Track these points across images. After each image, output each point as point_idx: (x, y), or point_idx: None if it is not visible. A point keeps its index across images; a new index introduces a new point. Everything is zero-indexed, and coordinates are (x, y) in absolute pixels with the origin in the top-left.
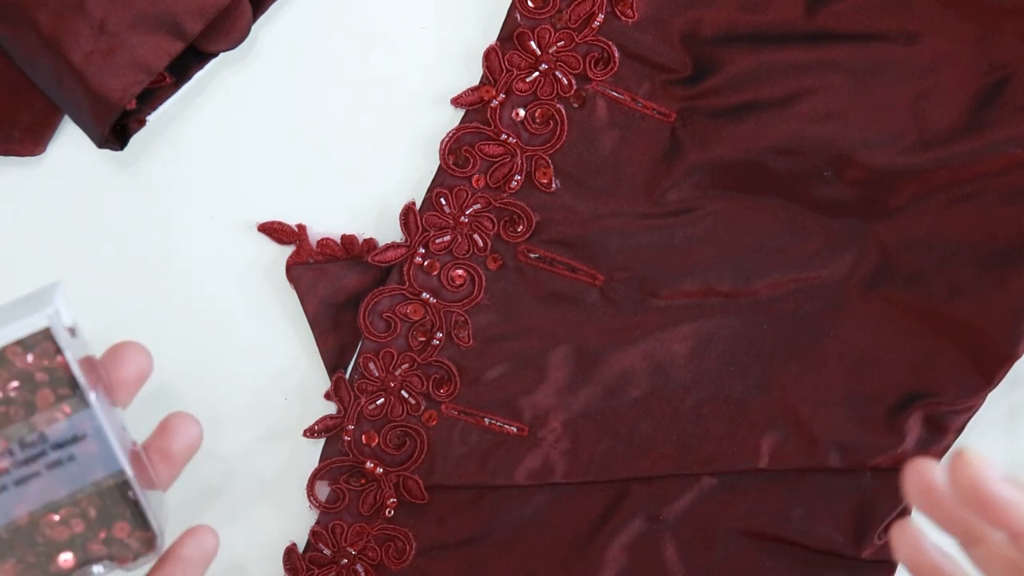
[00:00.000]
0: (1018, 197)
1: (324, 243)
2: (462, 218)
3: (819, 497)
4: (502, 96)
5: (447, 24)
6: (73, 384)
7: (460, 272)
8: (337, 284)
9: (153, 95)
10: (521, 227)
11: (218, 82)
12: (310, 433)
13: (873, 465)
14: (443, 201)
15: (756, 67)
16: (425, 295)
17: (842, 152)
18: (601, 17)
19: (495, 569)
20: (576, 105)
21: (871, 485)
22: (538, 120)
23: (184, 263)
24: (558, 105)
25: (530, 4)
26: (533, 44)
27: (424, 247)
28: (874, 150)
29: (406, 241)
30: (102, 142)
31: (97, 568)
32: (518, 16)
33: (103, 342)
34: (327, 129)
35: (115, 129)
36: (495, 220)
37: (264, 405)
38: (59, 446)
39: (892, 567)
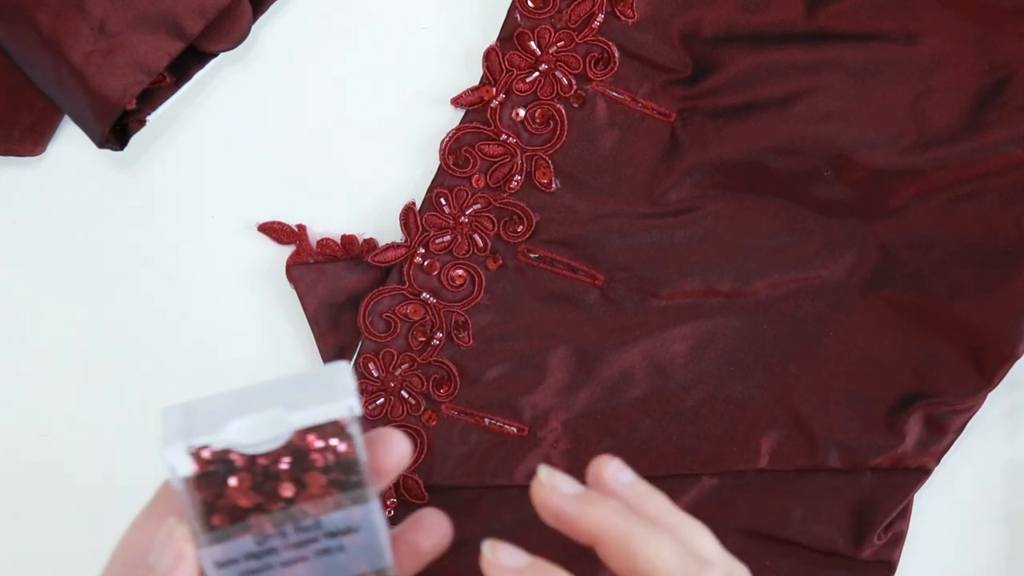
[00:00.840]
0: (1018, 197)
1: (324, 243)
2: (462, 218)
3: (819, 497)
4: (502, 96)
5: (447, 24)
6: (351, 472)
7: (460, 272)
8: (337, 284)
9: (153, 95)
10: (521, 227)
11: (218, 82)
12: None
13: (873, 465)
14: (443, 201)
15: (756, 67)
16: (425, 295)
17: (842, 152)
18: (601, 17)
19: None
20: (576, 105)
21: (871, 485)
22: (538, 120)
23: (184, 263)
24: (558, 105)
25: (530, 4)
26: (533, 44)
27: (424, 247)
28: (874, 150)
29: (406, 241)
30: (102, 142)
31: None
32: (518, 16)
33: (102, 341)
34: (327, 129)
35: (115, 129)
36: (495, 220)
37: None
38: (332, 535)
39: (892, 567)
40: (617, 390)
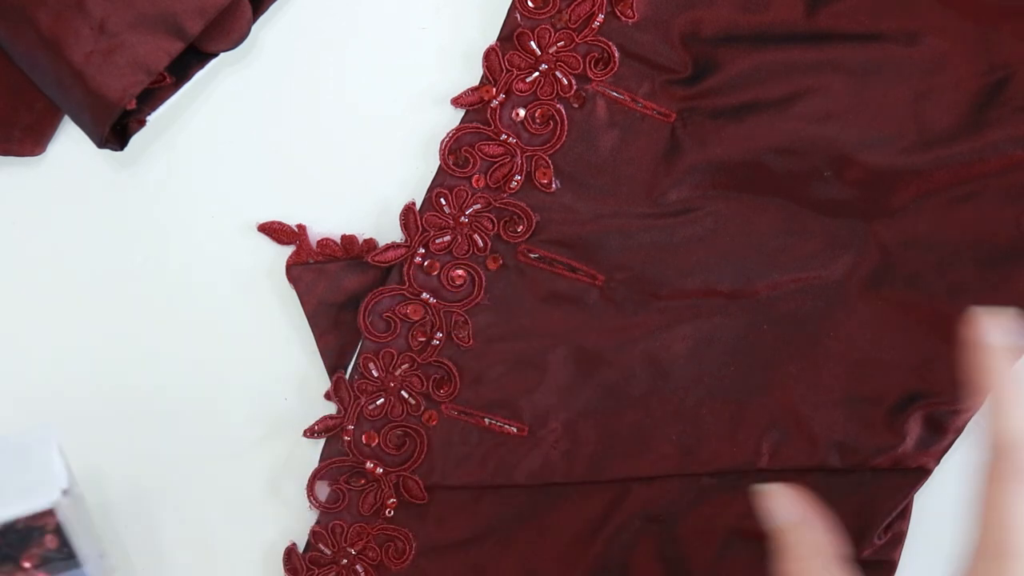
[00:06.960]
0: (1018, 197)
1: (324, 243)
2: (462, 218)
3: (819, 497)
4: (502, 96)
5: (447, 24)
6: (63, 548)
7: (460, 272)
8: (337, 284)
9: (153, 95)
10: (521, 227)
11: (218, 82)
12: (310, 433)
13: (873, 465)
14: (443, 201)
15: (756, 67)
16: (425, 295)
17: (842, 152)
18: (601, 17)
19: (495, 569)
20: (576, 105)
21: (871, 485)
22: (538, 120)
23: (184, 263)
24: (558, 105)
25: (530, 4)
26: (533, 44)
27: (424, 247)
28: (874, 150)
29: (406, 241)
30: (102, 142)
31: None
32: (518, 16)
33: (100, 341)
34: (327, 129)
35: (115, 129)
36: (495, 220)
37: (264, 405)
38: None
39: (892, 567)
40: (617, 390)
